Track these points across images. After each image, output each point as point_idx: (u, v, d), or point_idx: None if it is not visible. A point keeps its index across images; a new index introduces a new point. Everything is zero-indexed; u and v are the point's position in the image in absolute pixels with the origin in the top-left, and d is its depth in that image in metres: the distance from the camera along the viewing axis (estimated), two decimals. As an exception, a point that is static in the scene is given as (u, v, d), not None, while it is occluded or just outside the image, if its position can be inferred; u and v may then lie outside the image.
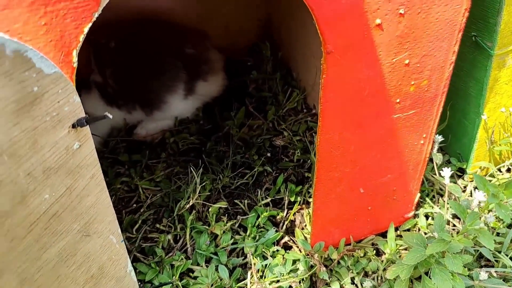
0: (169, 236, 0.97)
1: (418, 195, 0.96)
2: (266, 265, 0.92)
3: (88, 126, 0.58)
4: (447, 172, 0.86)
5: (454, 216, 1.00)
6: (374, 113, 0.76)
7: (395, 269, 0.81)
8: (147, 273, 0.90)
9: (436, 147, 0.89)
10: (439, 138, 0.89)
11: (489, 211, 0.96)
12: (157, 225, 1.00)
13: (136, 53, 1.20)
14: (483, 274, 0.84)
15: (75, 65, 0.55)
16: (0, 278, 0.55)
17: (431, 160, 1.02)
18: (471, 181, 1.10)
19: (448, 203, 1.08)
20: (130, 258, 0.94)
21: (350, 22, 0.64)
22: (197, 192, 0.97)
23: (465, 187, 1.09)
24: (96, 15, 0.53)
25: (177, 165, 1.14)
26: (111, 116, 0.56)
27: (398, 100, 0.76)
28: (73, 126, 0.57)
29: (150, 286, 0.88)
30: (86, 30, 0.53)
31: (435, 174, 1.00)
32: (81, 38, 0.53)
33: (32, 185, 0.55)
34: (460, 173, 1.12)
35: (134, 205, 1.04)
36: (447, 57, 0.75)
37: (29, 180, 0.54)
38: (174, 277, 0.90)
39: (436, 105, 0.81)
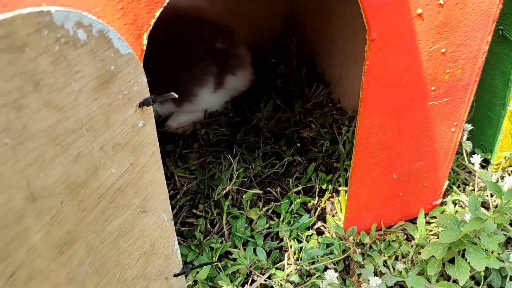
0: (207, 221, 1.01)
1: (447, 182, 0.99)
2: (301, 248, 0.96)
3: (151, 106, 0.63)
4: (477, 158, 0.90)
5: (482, 205, 1.04)
6: (411, 100, 0.80)
7: (430, 249, 0.85)
8: (188, 255, 0.95)
9: (465, 135, 0.93)
10: (469, 126, 0.93)
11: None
12: (194, 211, 1.04)
13: (169, 48, 1.24)
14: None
15: (145, 47, 0.59)
16: (72, 246, 0.60)
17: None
18: (495, 171, 1.13)
19: (478, 187, 1.11)
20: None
21: (393, 11, 0.68)
22: (234, 178, 1.01)
23: (490, 177, 1.13)
24: (168, 0, 0.57)
25: (209, 155, 1.18)
26: (176, 95, 0.60)
27: (433, 88, 0.80)
28: (140, 105, 0.61)
29: (191, 266, 0.92)
30: (157, 14, 0.57)
31: (463, 163, 1.03)
32: (152, 22, 0.58)
33: (103, 159, 0.59)
34: (484, 163, 1.16)
35: (171, 191, 1.08)
36: (480, 46, 0.79)
37: (101, 154, 0.58)
38: (213, 258, 0.94)
39: (468, 94, 0.85)
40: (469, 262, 0.81)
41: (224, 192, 1.02)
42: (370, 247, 0.98)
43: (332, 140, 1.21)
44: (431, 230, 0.99)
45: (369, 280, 0.87)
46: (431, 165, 0.93)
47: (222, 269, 0.93)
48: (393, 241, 0.97)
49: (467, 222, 0.77)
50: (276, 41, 1.54)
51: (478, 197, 0.94)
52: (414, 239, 0.99)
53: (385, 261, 0.96)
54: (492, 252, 0.84)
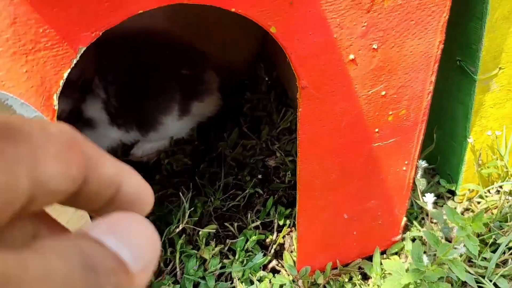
0: (160, 260, 0.99)
1: (404, 219, 0.97)
2: (252, 288, 0.94)
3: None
4: (429, 197, 0.87)
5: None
6: (354, 142, 0.78)
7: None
8: None
9: (420, 172, 0.90)
10: (423, 163, 0.90)
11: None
12: (148, 248, 1.02)
13: (134, 74, 1.22)
14: None
15: (56, 107, 0.57)
16: None
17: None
18: (460, 203, 1.10)
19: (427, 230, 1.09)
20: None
21: (323, 58, 0.65)
22: (186, 217, 0.99)
23: (455, 208, 1.10)
24: (75, 61, 0.55)
25: (170, 187, 1.16)
26: None
27: (377, 130, 0.78)
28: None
29: None
30: (65, 75, 0.55)
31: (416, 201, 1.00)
32: (61, 82, 0.56)
33: None
34: (450, 194, 1.13)
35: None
36: (424, 87, 0.76)
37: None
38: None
39: (417, 133, 0.82)
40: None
41: (178, 229, 1.00)
42: (324, 287, 0.96)
43: (295, 170, 1.18)
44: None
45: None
46: (385, 203, 0.91)
47: None
48: (347, 281, 0.94)
49: (409, 271, 0.75)
50: (248, 66, 1.52)
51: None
52: (371, 278, 0.96)
53: (340, 302, 0.94)
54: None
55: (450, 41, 0.95)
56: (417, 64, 0.73)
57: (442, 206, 1.12)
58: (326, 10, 0.61)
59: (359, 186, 0.85)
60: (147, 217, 0.23)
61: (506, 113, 1.01)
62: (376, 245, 0.98)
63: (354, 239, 0.94)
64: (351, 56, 0.67)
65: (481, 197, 1.08)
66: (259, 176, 1.16)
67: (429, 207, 0.88)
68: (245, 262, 0.98)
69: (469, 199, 1.10)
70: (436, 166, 1.17)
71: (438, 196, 1.14)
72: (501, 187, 1.06)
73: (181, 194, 1.03)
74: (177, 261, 0.99)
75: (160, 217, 1.07)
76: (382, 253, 1.00)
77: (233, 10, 0.56)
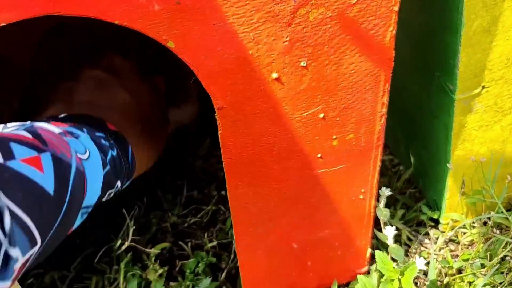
0: (105, 278, 0.94)
1: (369, 250, 0.87)
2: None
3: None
4: (390, 231, 0.77)
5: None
6: (292, 168, 0.69)
7: None
8: None
9: (383, 201, 0.80)
10: (387, 191, 0.80)
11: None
12: (96, 265, 0.97)
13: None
14: None
15: None
16: None
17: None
18: (443, 232, 0.99)
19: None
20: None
21: (239, 77, 0.57)
22: (130, 234, 0.93)
23: (437, 238, 0.99)
24: None
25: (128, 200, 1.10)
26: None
27: (319, 155, 0.69)
28: None
29: None
30: None
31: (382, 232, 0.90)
32: None
33: None
34: (433, 222, 1.02)
35: (77, 240, 1.02)
36: (374, 109, 0.67)
37: None
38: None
39: (372, 159, 0.73)
40: None
41: (124, 247, 0.94)
42: None
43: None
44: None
45: None
46: (343, 233, 0.81)
47: None
48: None
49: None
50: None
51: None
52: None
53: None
54: None
55: (430, 53, 0.84)
56: (362, 83, 0.63)
57: (425, 234, 1.01)
58: (234, 23, 0.53)
59: (306, 214, 0.76)
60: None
61: (494, 137, 0.89)
62: (339, 275, 0.89)
63: (310, 269, 0.86)
64: (274, 75, 0.58)
65: (466, 227, 0.97)
66: (223, 192, 1.09)
67: (389, 241, 0.78)
68: (190, 286, 0.91)
69: (453, 229, 0.99)
70: (423, 191, 1.07)
71: (421, 223, 1.03)
72: (489, 218, 0.95)
73: (124, 211, 0.97)
74: (121, 280, 0.93)
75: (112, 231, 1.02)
76: (345, 285, 0.91)
77: (116, 22, 0.49)
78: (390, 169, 1.17)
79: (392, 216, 1.03)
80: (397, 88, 1.04)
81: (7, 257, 0.42)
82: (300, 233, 0.79)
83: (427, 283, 0.90)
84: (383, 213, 0.80)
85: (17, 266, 0.44)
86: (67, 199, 0.50)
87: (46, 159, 0.48)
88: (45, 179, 0.47)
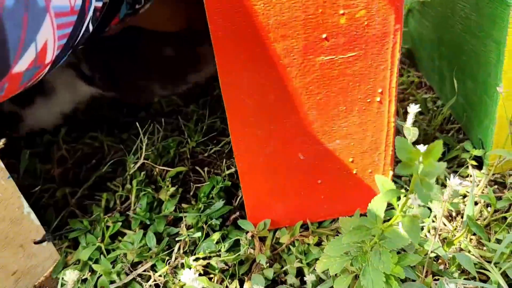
0: (116, 196, 0.90)
1: (391, 172, 0.76)
2: (200, 238, 0.80)
3: None
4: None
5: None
6: (293, 50, 0.60)
7: (325, 261, 0.64)
8: (73, 231, 0.84)
9: (411, 118, 0.69)
10: (415, 108, 0.68)
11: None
12: (109, 184, 0.93)
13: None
14: (451, 287, 0.63)
15: None
16: None
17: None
18: (486, 175, 0.85)
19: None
20: (65, 212, 0.90)
21: None
22: (143, 155, 0.89)
23: (479, 181, 0.85)
24: None
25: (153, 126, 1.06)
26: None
27: (324, 36, 0.59)
28: None
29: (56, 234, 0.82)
30: None
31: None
32: None
33: None
34: (478, 163, 0.88)
35: (94, 161, 0.99)
36: (389, -23, 0.56)
37: None
38: (104, 238, 0.83)
39: (389, 49, 0.62)
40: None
41: (137, 166, 0.90)
42: (289, 249, 0.79)
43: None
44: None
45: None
46: (357, 147, 0.71)
47: (105, 252, 0.81)
48: (316, 244, 0.77)
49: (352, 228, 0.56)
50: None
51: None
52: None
53: (301, 268, 0.76)
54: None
55: None
56: None
57: (467, 176, 0.88)
58: None
59: (313, 117, 0.67)
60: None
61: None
62: (359, 201, 0.78)
63: (321, 190, 0.76)
64: None
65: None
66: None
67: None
68: (202, 208, 0.85)
69: (502, 171, 0.85)
70: (467, 129, 0.93)
71: (462, 165, 0.90)
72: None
73: (138, 125, 0.93)
74: (133, 199, 0.89)
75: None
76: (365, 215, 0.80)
77: None
78: (432, 108, 1.04)
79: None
80: (445, 16, 0.91)
81: None
82: (307, 141, 0.70)
83: (463, 219, 0.78)
84: (412, 132, 0.69)
85: None
86: None
87: None
88: None
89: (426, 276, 0.66)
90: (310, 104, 0.65)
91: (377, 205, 0.61)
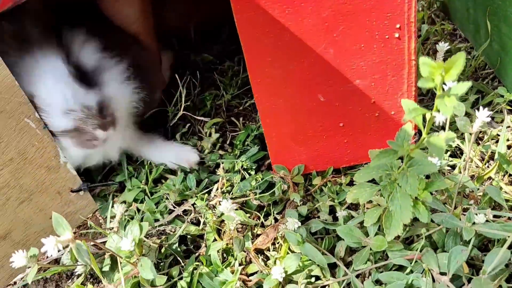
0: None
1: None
2: (237, 180, 0.85)
3: None
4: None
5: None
6: (305, -13, 0.61)
7: (356, 192, 0.66)
8: (118, 175, 0.92)
9: (440, 56, 0.68)
10: (445, 46, 0.67)
11: None
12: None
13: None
14: (480, 217, 0.62)
15: None
16: None
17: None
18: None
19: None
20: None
21: None
22: (183, 106, 0.94)
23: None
24: None
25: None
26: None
27: (336, -32, 0.59)
28: None
29: (91, 184, 0.87)
30: None
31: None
32: None
33: None
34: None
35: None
36: None
37: None
38: (148, 181, 0.90)
39: (406, -20, 0.61)
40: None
41: (177, 117, 0.97)
42: (321, 190, 0.81)
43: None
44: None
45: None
46: (378, 87, 0.71)
47: (149, 194, 0.87)
48: (348, 183, 0.79)
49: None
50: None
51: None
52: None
53: (333, 207, 0.78)
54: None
55: None
56: None
57: (501, 122, 0.85)
58: None
59: (330, 55, 0.67)
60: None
61: None
62: (382, 145, 0.78)
63: (344, 133, 0.76)
64: None
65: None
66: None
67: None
68: (238, 155, 0.90)
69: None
70: (501, 76, 0.90)
71: (497, 110, 0.87)
72: None
73: (176, 77, 0.97)
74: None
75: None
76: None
77: None
78: (467, 56, 1.01)
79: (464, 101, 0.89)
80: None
81: None
82: (326, 82, 0.70)
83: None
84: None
85: None
86: None
87: None
88: None
89: (455, 209, 0.66)
90: (327, 42, 0.66)
91: (405, 131, 0.61)
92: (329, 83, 0.70)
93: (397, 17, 0.64)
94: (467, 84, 0.49)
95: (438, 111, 0.50)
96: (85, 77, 0.77)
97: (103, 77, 0.80)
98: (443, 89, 0.48)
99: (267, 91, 0.71)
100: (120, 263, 0.67)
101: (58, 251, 0.57)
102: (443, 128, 0.78)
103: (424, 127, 0.55)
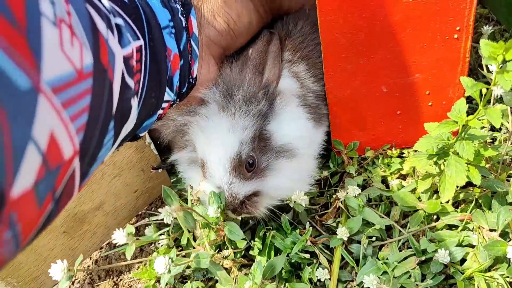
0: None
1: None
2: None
3: None
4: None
5: None
6: (382, -6, 0.70)
7: (413, 160, 0.77)
8: None
9: (485, 39, 0.77)
10: (489, 29, 0.76)
11: None
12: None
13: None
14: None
15: None
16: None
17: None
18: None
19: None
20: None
21: None
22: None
23: None
24: None
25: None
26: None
27: (411, -21, 0.69)
28: None
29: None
30: None
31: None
32: None
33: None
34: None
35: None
36: None
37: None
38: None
39: (468, -12, 0.71)
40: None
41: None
42: (374, 162, 0.91)
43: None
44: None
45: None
46: (434, 80, 0.81)
47: None
48: (398, 156, 0.90)
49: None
50: None
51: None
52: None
53: (384, 177, 0.89)
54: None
55: None
56: None
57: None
58: None
59: (395, 52, 0.77)
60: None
61: None
62: (427, 133, 0.89)
63: (399, 120, 0.87)
64: None
65: None
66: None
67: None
68: None
69: None
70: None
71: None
72: None
73: None
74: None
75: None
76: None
77: None
78: (500, 38, 1.11)
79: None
80: None
81: (117, 26, 0.51)
82: (390, 75, 0.80)
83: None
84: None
85: (131, 47, 0.53)
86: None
87: None
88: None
89: (500, 176, 0.77)
90: (395, 41, 0.76)
91: (459, 104, 0.72)
92: (392, 76, 0.80)
93: (458, 21, 0.74)
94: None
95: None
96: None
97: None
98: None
99: (338, 82, 0.81)
100: (212, 228, 0.77)
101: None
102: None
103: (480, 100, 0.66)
